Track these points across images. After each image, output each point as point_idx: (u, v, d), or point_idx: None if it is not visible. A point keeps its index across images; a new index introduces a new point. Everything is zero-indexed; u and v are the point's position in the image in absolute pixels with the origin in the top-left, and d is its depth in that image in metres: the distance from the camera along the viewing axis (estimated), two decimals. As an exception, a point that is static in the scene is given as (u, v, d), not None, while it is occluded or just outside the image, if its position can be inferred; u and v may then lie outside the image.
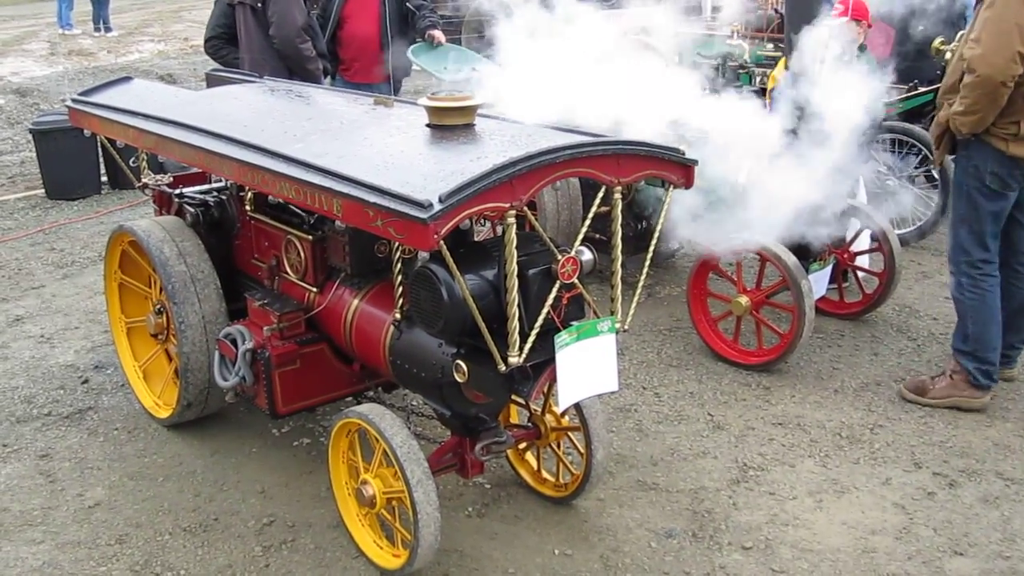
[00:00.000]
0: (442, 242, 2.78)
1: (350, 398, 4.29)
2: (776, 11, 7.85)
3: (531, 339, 3.06)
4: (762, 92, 7.21)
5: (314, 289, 4.01)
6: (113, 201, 8.98)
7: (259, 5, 6.48)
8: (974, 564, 3.63)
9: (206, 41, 7.41)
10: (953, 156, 4.66)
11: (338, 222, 3.49)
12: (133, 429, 4.70)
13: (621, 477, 4.21)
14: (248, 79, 5.17)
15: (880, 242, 5.57)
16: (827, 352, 5.43)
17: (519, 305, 3.07)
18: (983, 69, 4.18)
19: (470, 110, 3.40)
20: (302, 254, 4.01)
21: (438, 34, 7.42)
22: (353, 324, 3.84)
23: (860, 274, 5.84)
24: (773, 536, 3.79)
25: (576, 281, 3.17)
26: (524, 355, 3.06)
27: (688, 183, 3.37)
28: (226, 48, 7.16)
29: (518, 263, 3.08)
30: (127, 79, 5.14)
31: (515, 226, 2.94)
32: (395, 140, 3.42)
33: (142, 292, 4.80)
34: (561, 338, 3.12)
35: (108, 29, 23.58)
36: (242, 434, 4.60)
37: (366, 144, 3.42)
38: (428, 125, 3.45)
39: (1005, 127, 4.35)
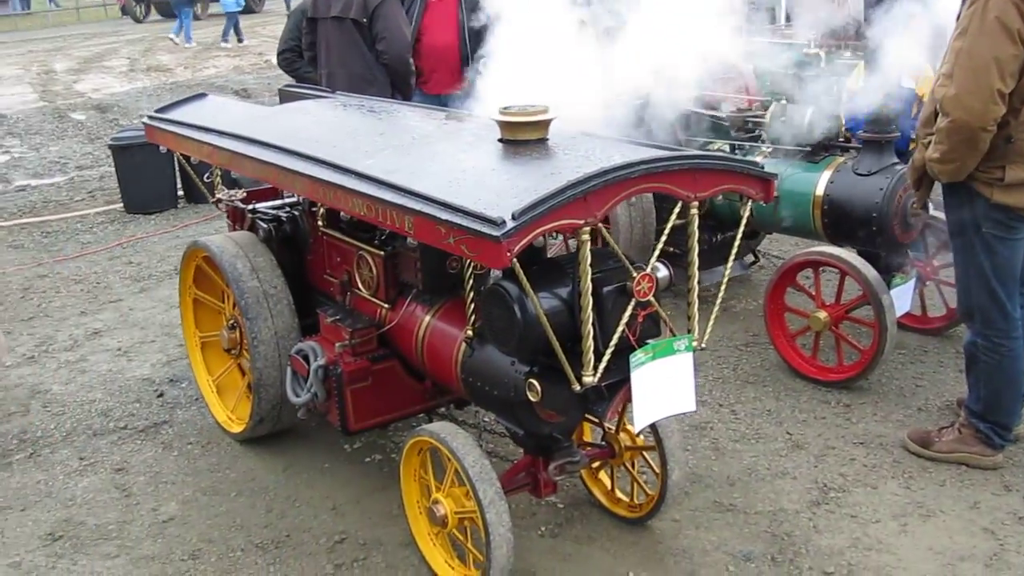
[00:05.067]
0: (515, 260, 2.73)
1: (421, 415, 4.26)
2: (855, 19, 7.67)
3: (606, 358, 3.00)
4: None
5: (386, 305, 3.98)
6: (189, 215, 9.10)
7: (364, 20, 6.53)
8: (1070, 594, 3.48)
9: (279, 54, 7.51)
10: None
11: (409, 239, 3.46)
12: (207, 443, 4.72)
13: (697, 497, 4.11)
14: (321, 94, 5.18)
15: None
16: (910, 369, 5.26)
17: (593, 323, 3.00)
18: (958, 113, 3.67)
19: (543, 124, 3.34)
20: (374, 270, 3.98)
21: None
22: (425, 341, 3.80)
23: (944, 288, 5.66)
24: (856, 561, 3.66)
25: (652, 299, 3.10)
26: (599, 374, 2.99)
27: (768, 197, 3.28)
28: (299, 61, 7.25)
29: (592, 280, 3.01)
30: (202, 95, 5.19)
31: (589, 243, 2.87)
32: (467, 156, 3.38)
33: (216, 307, 4.83)
34: (636, 357, 3.04)
35: (231, 39, 24.46)
36: (314, 449, 4.60)
37: (437, 160, 3.39)
38: (500, 140, 3.41)
39: (989, 172, 3.84)
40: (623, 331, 3.03)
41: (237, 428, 4.67)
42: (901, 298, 5.18)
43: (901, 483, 4.17)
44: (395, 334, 3.96)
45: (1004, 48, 3.63)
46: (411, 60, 6.74)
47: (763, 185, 3.25)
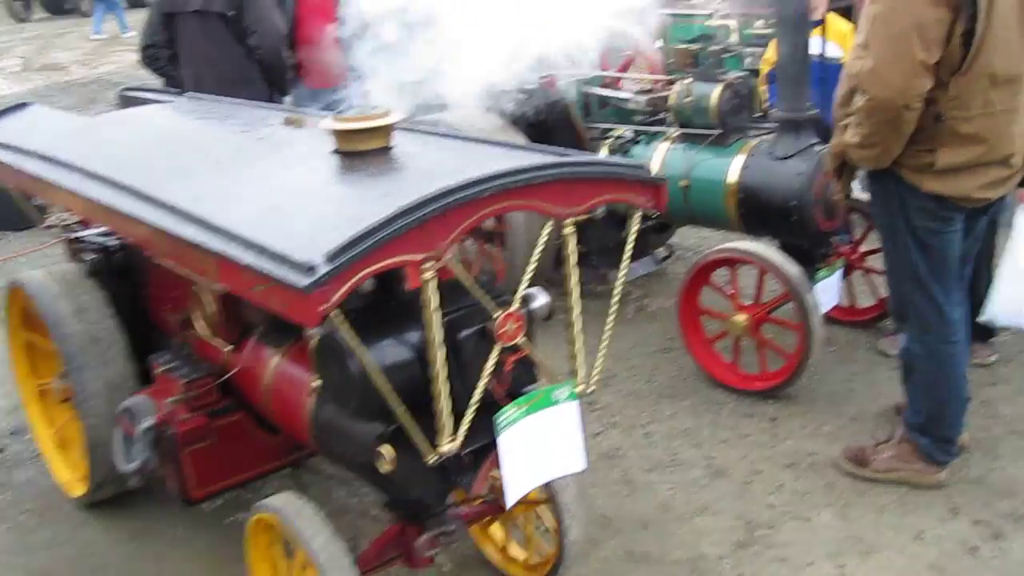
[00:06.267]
0: (339, 311, 2.15)
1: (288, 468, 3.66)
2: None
3: (466, 421, 2.43)
4: (754, 75, 6.57)
5: (228, 347, 3.37)
6: (58, 233, 8.31)
7: (231, 13, 5.86)
8: (1034, 647, 3.00)
9: (142, 50, 6.79)
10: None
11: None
12: (46, 511, 4.07)
13: (606, 546, 3.57)
14: (162, 98, 4.52)
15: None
16: (840, 369, 4.77)
17: (450, 378, 2.44)
18: (877, 89, 3.18)
19: (383, 131, 2.75)
20: (212, 306, 3.37)
21: None
22: (272, 388, 3.20)
23: (873, 276, 5.17)
24: (788, 619, 3.16)
25: (522, 340, 2.53)
26: (459, 441, 2.43)
27: (659, 205, 2.74)
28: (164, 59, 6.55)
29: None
30: (23, 105, 4.50)
31: (435, 283, 2.29)
32: (293, 173, 2.78)
33: (51, 350, 4.17)
34: (504, 416, 2.49)
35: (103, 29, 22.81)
36: (168, 511, 3.95)
37: (257, 180, 2.78)
38: (335, 152, 2.81)
39: (917, 156, 3.34)
40: (486, 385, 2.46)
41: (80, 490, 4.03)
42: (827, 292, 4.70)
43: (836, 512, 3.67)
44: (240, 381, 3.34)
45: (925, 11, 3.11)
46: (286, 54, 6.09)
47: (652, 191, 2.70)
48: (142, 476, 3.45)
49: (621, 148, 5.19)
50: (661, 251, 5.84)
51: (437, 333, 2.33)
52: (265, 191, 2.65)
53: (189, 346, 3.57)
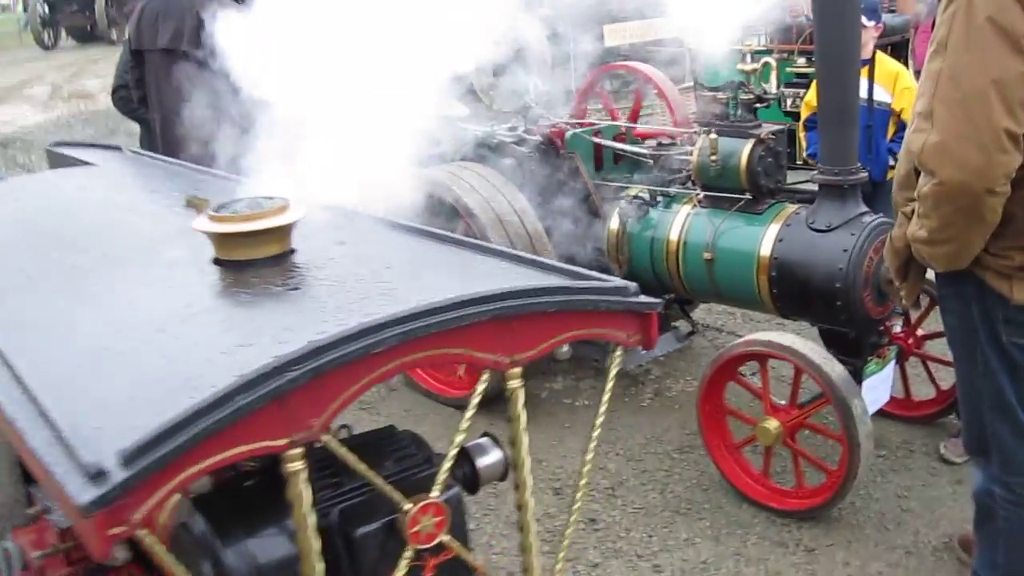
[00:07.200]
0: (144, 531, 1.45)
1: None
2: (808, 18, 6.45)
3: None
4: (794, 118, 5.85)
5: (121, 481, 2.68)
6: None
7: (199, 53, 5.29)
8: None
9: (113, 92, 6.23)
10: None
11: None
12: (-69, 651, 3.41)
13: None
14: (90, 157, 3.85)
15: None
16: (891, 480, 4.00)
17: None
18: (947, 171, 2.40)
19: (277, 234, 2.05)
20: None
21: None
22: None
23: (932, 365, 4.39)
24: None
25: (444, 539, 1.81)
26: None
27: (648, 341, 2.00)
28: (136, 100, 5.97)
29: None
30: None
31: (303, 473, 1.59)
32: (150, 291, 2.07)
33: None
34: (419, 650, 1.77)
35: None
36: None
37: (104, 302, 2.06)
38: (215, 261, 2.11)
39: (1005, 255, 2.57)
40: (392, 605, 1.75)
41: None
42: (878, 390, 3.96)
43: None
44: (135, 524, 2.65)
45: (1007, 64, 2.34)
46: None
47: (638, 322, 1.96)
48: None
49: (636, 211, 4.46)
50: (684, 326, 5.08)
51: (310, 541, 1.62)
52: (104, 321, 1.93)
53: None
